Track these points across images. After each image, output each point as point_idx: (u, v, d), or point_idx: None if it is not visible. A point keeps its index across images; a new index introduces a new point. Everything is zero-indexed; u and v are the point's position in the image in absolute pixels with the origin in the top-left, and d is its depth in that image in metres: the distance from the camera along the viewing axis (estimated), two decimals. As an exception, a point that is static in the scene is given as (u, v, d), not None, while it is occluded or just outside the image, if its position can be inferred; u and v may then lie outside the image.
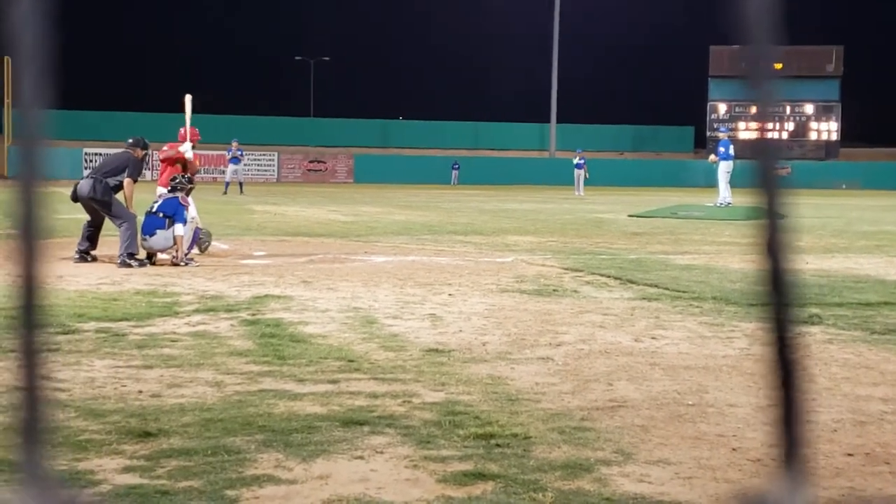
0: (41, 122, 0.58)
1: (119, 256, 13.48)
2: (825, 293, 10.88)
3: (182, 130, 15.74)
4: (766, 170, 0.63)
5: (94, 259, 13.90)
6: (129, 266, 13.26)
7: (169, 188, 14.41)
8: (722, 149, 32.58)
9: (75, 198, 13.88)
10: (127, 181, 13.98)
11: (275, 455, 4.89)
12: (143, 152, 14.61)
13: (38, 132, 0.58)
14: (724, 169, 31.73)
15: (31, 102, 0.57)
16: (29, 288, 0.59)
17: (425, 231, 21.20)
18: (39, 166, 0.58)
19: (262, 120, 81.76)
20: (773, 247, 0.62)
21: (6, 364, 6.90)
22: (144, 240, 13.70)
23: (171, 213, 13.82)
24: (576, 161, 49.53)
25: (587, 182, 49.01)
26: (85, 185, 13.77)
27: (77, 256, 13.77)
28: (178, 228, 13.70)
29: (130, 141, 14.61)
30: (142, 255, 13.70)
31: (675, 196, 43.80)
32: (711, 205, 29.29)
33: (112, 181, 13.89)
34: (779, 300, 0.61)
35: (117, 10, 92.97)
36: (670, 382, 6.67)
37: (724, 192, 31.26)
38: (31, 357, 0.60)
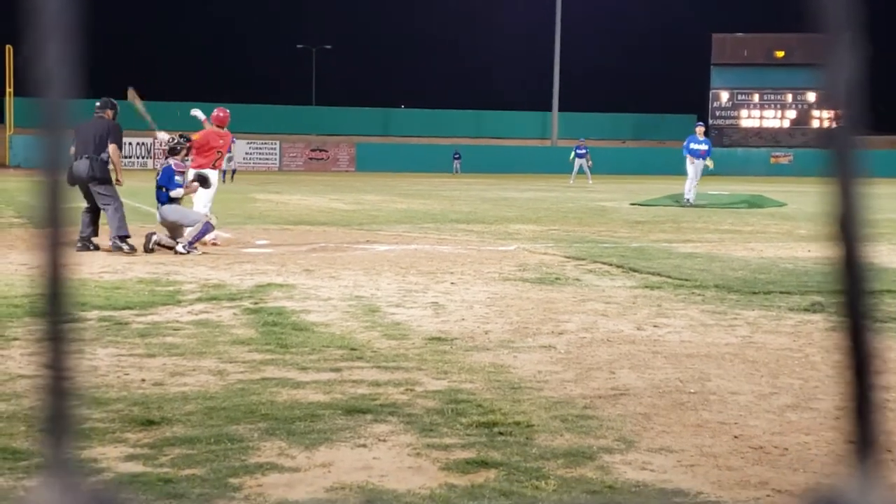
0: (63, 107, 0.57)
1: (111, 239, 13.38)
2: (828, 281, 10.88)
3: (217, 112, 15.54)
4: (841, 158, 0.62)
5: (97, 247, 13.80)
6: (121, 249, 13.19)
7: (166, 155, 14.25)
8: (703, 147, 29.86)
9: (73, 181, 13.07)
10: (112, 148, 13.59)
11: (278, 443, 4.90)
12: (113, 112, 14.05)
13: (60, 118, 0.57)
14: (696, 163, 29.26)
15: (53, 86, 0.57)
16: (54, 278, 0.59)
17: (427, 219, 21.20)
18: (62, 154, 0.58)
19: (264, 108, 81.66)
20: (849, 236, 0.62)
21: (8, 353, 6.92)
22: (159, 209, 13.95)
23: (165, 183, 13.80)
24: (577, 150, 49.43)
25: (590, 170, 48.94)
26: (82, 167, 13.25)
27: (79, 244, 13.54)
28: (177, 192, 13.80)
29: (99, 104, 14.00)
30: (133, 241, 13.55)
31: (678, 184, 43.66)
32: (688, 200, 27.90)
33: (105, 156, 13.53)
34: (854, 291, 0.61)
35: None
36: (672, 370, 6.68)
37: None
38: (57, 347, 0.59)
